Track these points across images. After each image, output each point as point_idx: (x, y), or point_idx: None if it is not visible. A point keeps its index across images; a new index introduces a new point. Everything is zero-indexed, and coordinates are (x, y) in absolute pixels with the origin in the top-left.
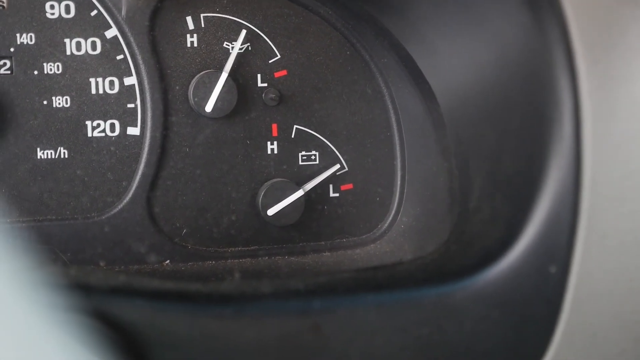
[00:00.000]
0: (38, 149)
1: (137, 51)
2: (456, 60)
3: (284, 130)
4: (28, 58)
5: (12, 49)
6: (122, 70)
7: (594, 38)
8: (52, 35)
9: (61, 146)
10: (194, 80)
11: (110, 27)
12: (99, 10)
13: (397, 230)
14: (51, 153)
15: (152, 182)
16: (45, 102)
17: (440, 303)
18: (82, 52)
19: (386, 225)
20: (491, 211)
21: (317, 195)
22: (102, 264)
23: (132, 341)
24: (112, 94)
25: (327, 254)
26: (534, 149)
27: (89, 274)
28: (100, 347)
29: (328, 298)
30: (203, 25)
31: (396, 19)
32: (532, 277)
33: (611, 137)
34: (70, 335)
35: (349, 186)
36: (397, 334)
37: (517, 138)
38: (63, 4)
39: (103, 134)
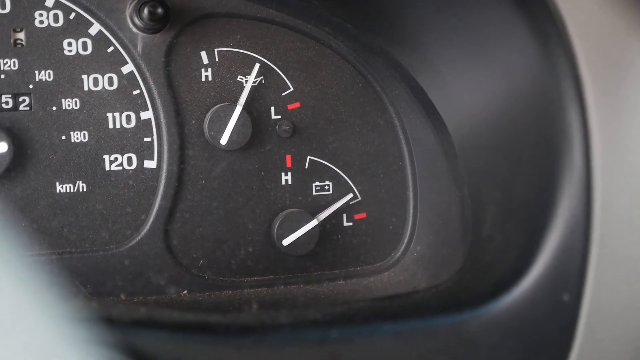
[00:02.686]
0: (57, 184)
1: (153, 86)
2: (467, 91)
3: (298, 161)
4: (47, 94)
5: (31, 86)
6: (138, 105)
7: (602, 70)
8: (70, 71)
9: (80, 180)
10: (209, 113)
11: (127, 63)
12: (115, 47)
13: (411, 259)
14: (70, 187)
15: (169, 214)
16: (63, 137)
17: (456, 331)
18: (100, 87)
19: (399, 253)
20: (504, 239)
21: (331, 224)
22: (122, 296)
23: None
24: (129, 128)
25: (342, 282)
26: (545, 178)
27: (110, 306)
28: None
29: (345, 327)
30: (217, 60)
31: (407, 51)
32: (546, 304)
33: (621, 166)
34: None
35: (362, 215)
36: None
37: (528, 168)
38: (80, 41)
39: (120, 168)
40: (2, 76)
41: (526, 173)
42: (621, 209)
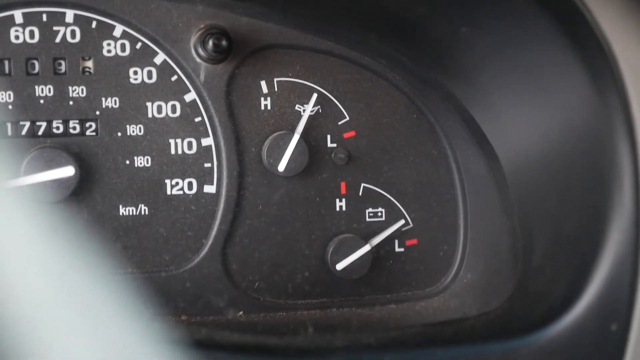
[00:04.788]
0: (121, 207)
1: (214, 114)
2: (520, 125)
3: (352, 188)
4: (112, 121)
5: (97, 112)
6: (199, 132)
7: None
8: (135, 99)
9: (142, 204)
10: (267, 141)
11: (190, 91)
12: (179, 76)
13: (461, 285)
14: (133, 210)
15: (228, 238)
16: (127, 162)
17: (506, 358)
18: (163, 114)
19: (449, 279)
20: (554, 270)
21: (384, 250)
22: (183, 317)
23: None
24: (190, 154)
25: (394, 306)
26: (595, 212)
27: (174, 327)
28: None
29: (398, 352)
30: (276, 90)
31: (461, 84)
32: (594, 334)
33: None
34: None
35: (414, 241)
36: None
37: (579, 201)
38: (145, 69)
39: (181, 192)
40: (71, 103)
41: (576, 206)
42: None
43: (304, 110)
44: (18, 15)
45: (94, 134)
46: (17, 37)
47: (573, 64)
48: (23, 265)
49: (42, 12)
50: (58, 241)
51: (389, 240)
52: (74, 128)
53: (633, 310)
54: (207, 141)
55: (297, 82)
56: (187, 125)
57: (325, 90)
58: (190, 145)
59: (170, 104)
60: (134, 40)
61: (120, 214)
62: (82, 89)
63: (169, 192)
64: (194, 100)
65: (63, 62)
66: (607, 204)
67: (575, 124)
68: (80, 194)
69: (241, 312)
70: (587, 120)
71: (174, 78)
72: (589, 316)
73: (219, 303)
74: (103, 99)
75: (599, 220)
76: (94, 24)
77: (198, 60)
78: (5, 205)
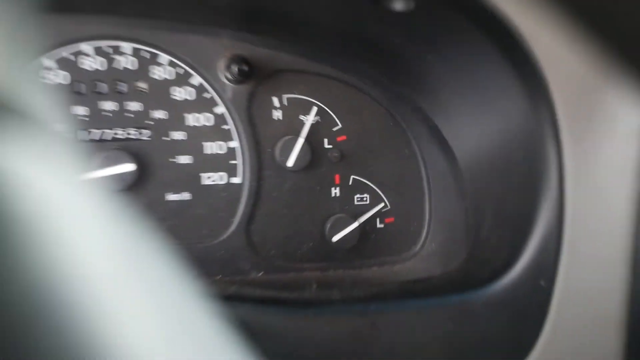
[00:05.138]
0: (168, 194)
1: (238, 123)
2: (472, 130)
3: (344, 179)
4: (162, 128)
5: (151, 122)
6: (227, 137)
7: (575, 118)
8: (178, 112)
9: (184, 191)
10: (279, 143)
11: (219, 105)
12: (211, 94)
13: (427, 252)
14: (177, 197)
15: (250, 218)
16: (173, 160)
17: (462, 307)
18: (199, 124)
19: (418, 247)
20: (497, 241)
21: (369, 226)
22: (218, 277)
23: (243, 335)
24: (221, 154)
25: (376, 268)
26: (529, 196)
27: (211, 285)
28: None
29: (380, 303)
30: (285, 104)
31: (427, 99)
32: (528, 288)
33: (586, 189)
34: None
35: (391, 219)
36: (431, 329)
37: (516, 188)
38: (185, 89)
39: (214, 182)
40: (132, 115)
41: (514, 192)
42: (585, 220)
43: (306, 120)
44: (89, 48)
45: (148, 138)
46: (89, 66)
47: (513, 84)
48: (97, 240)
49: (107, 46)
50: (122, 220)
51: (372, 218)
52: (133, 135)
53: (557, 271)
54: (233, 144)
55: (301, 98)
56: (217, 131)
57: (323, 105)
58: (220, 147)
59: (204, 115)
60: (176, 67)
61: (168, 199)
62: (139, 105)
63: (204, 183)
64: (223, 113)
65: (124, 85)
66: (537, 189)
67: (513, 129)
68: (138, 184)
69: (261, 273)
70: (523, 126)
71: (208, 96)
72: (524, 275)
73: (244, 266)
74: (154, 112)
75: (531, 202)
76: (147, 55)
77: (225, 81)
78: (83, 193)
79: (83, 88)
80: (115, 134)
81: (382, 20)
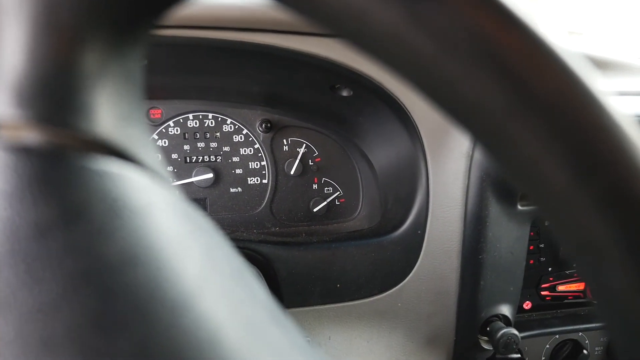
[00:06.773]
0: (230, 189)
1: (266, 153)
2: (382, 154)
3: (319, 180)
4: (226, 156)
5: (221, 152)
6: (260, 160)
7: (434, 147)
8: (235, 147)
9: (238, 187)
10: (286, 162)
11: (256, 144)
12: (252, 137)
13: (361, 217)
14: (235, 190)
15: (272, 200)
16: (233, 171)
17: (379, 245)
18: (246, 153)
19: (356, 214)
20: (396, 210)
21: (332, 203)
22: (254, 230)
23: (265, 268)
24: (257, 168)
25: (335, 225)
26: (412, 186)
27: (249, 235)
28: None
29: (337, 243)
30: (289, 143)
31: (360, 138)
32: (412, 235)
33: (440, 184)
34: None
35: (343, 200)
36: (363, 256)
37: (405, 183)
38: (239, 136)
39: (254, 183)
40: (210, 149)
41: (404, 185)
42: (439, 201)
43: (300, 150)
44: (191, 115)
45: (220, 160)
46: (190, 124)
47: (401, 130)
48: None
49: (199, 114)
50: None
51: (334, 200)
52: (212, 159)
53: (426, 226)
54: (263, 164)
55: (297, 140)
56: (255, 157)
57: (308, 143)
58: (256, 165)
59: (248, 149)
60: (233, 124)
61: (231, 191)
62: (215, 144)
63: (249, 183)
64: (258, 147)
65: (208, 133)
66: (415, 184)
67: (403, 152)
68: (214, 184)
69: (277, 228)
70: (407, 151)
71: (250, 139)
72: (410, 228)
73: (267, 225)
74: (223, 147)
75: (412, 191)
76: (219, 118)
77: (259, 132)
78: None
79: (187, 135)
80: (203, 159)
81: (337, 100)
